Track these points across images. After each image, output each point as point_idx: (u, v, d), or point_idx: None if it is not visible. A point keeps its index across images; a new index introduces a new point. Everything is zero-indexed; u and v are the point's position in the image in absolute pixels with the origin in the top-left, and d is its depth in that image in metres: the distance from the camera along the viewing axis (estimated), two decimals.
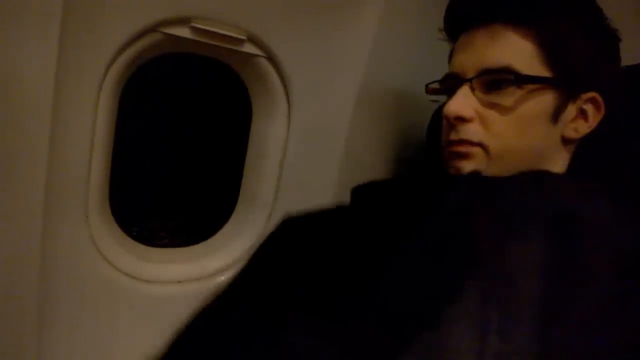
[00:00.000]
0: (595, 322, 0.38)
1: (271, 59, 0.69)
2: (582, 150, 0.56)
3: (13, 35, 0.50)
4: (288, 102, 0.73)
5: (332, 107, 0.76)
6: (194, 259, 0.79)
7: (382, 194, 0.59)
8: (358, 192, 0.65)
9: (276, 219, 0.79)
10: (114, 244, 0.69)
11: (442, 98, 0.59)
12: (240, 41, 0.65)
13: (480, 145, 0.51)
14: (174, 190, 1.43)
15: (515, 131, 0.50)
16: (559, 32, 0.49)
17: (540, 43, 0.49)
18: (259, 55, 0.69)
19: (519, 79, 0.48)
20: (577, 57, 0.50)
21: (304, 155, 0.77)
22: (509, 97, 0.49)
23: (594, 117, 0.52)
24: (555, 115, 0.50)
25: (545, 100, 0.50)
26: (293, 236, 0.57)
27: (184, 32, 0.61)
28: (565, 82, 0.50)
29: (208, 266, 0.79)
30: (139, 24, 0.58)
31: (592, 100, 0.51)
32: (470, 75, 0.52)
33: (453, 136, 0.53)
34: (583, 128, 0.52)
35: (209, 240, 0.83)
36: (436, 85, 0.60)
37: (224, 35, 0.63)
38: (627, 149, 0.59)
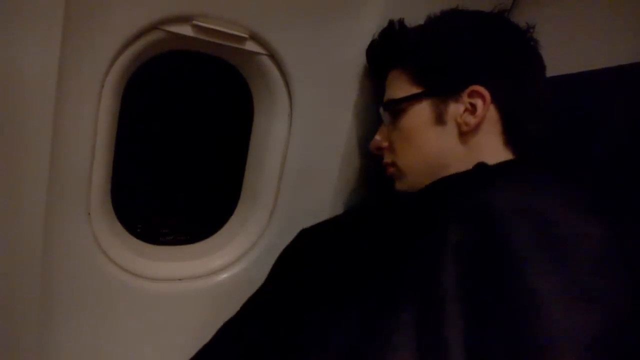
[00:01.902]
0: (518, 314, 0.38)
1: (273, 57, 0.69)
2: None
3: (15, 34, 0.50)
4: (290, 100, 0.73)
5: (333, 105, 0.76)
6: (195, 256, 0.79)
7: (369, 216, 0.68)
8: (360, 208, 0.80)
9: (278, 216, 0.79)
10: (116, 242, 0.70)
11: None
12: (242, 39, 0.65)
13: (393, 165, 0.64)
14: (178, 188, 1.43)
15: (409, 145, 0.61)
16: (417, 61, 0.60)
17: (408, 72, 0.61)
18: (260, 54, 0.69)
19: (393, 103, 0.61)
20: (434, 67, 0.59)
21: (306, 153, 0.77)
22: (397, 120, 0.62)
23: (482, 107, 0.56)
24: (439, 119, 0.58)
25: (422, 110, 0.59)
26: (307, 248, 0.67)
27: (185, 30, 0.61)
28: (433, 91, 0.58)
29: (210, 264, 0.79)
30: (140, 22, 0.58)
31: (473, 93, 0.56)
32: (382, 113, 0.65)
33: (384, 161, 0.66)
34: (471, 119, 0.56)
35: (211, 238, 0.84)
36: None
37: (226, 34, 0.63)
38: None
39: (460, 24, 0.60)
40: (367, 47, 0.70)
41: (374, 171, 0.84)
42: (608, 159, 0.61)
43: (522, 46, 0.59)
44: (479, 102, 0.56)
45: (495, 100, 0.56)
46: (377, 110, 0.67)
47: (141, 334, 0.74)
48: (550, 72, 0.61)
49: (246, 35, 0.65)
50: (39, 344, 0.64)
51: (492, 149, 0.57)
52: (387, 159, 0.65)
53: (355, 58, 0.73)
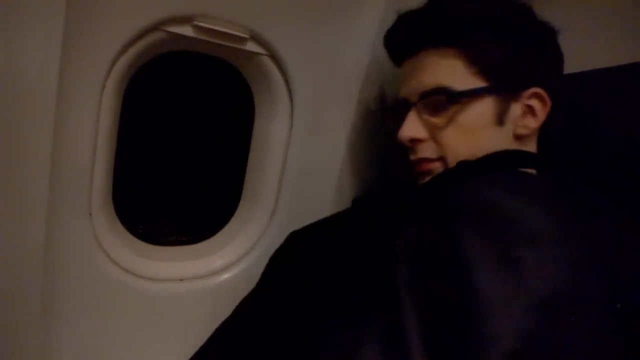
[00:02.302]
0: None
1: (274, 57, 0.69)
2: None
3: (16, 34, 0.50)
4: (290, 100, 0.73)
5: (334, 106, 0.76)
6: (196, 257, 0.79)
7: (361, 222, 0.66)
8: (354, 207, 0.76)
9: (278, 216, 0.79)
10: (117, 242, 0.70)
11: None
12: (243, 39, 0.65)
13: (439, 159, 0.56)
14: (179, 188, 1.43)
15: (464, 141, 0.54)
16: (481, 45, 0.53)
17: (467, 58, 0.53)
18: (261, 54, 0.69)
19: (452, 96, 0.53)
20: (505, 63, 0.53)
21: (306, 153, 0.77)
22: (450, 112, 0.54)
23: (542, 111, 0.54)
24: (500, 118, 0.53)
25: (484, 107, 0.53)
26: (297, 251, 0.66)
27: (186, 30, 0.61)
28: (499, 88, 0.53)
29: (211, 264, 0.79)
30: (141, 23, 0.58)
31: (536, 95, 0.54)
32: (413, 100, 0.57)
33: (412, 157, 0.59)
34: (532, 123, 0.55)
35: (212, 239, 0.84)
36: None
37: (227, 34, 0.63)
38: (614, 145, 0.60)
39: (525, 18, 0.56)
40: (401, 17, 0.60)
41: (374, 172, 0.84)
42: (608, 159, 0.61)
43: (558, 47, 0.58)
44: (537, 105, 0.54)
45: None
46: (401, 96, 0.59)
47: (142, 334, 0.74)
48: None
49: (247, 36, 0.65)
50: (40, 344, 0.64)
51: (534, 151, 0.57)
52: (427, 153, 0.57)
53: (355, 58, 0.73)
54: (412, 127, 0.57)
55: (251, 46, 0.67)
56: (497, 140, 0.54)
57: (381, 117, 0.66)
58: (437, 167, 0.57)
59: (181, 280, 0.75)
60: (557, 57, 0.58)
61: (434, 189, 0.52)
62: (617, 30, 0.68)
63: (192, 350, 0.69)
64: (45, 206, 0.57)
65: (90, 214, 0.64)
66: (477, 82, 0.53)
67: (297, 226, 0.72)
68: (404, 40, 0.60)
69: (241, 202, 0.85)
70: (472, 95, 0.53)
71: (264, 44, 0.67)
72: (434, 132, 0.56)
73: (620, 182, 0.58)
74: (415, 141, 0.57)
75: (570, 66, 0.67)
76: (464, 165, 0.52)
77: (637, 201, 0.55)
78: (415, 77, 0.57)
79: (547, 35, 0.57)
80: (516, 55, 0.53)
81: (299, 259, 0.64)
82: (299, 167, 0.77)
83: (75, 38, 0.54)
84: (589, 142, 0.62)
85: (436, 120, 0.55)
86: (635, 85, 0.62)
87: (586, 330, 0.36)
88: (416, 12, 0.58)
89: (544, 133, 0.57)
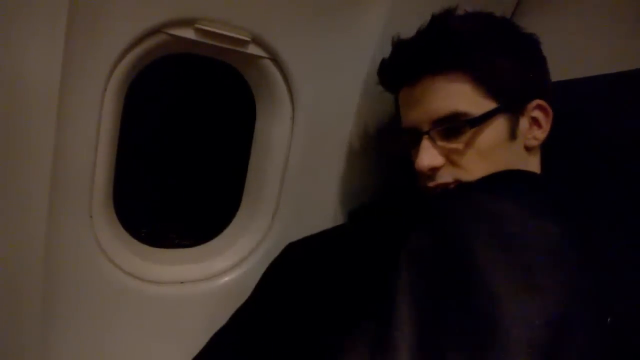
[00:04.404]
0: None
1: (275, 60, 0.69)
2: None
3: (18, 35, 0.50)
4: (292, 103, 0.73)
5: (335, 109, 0.76)
6: (197, 259, 0.79)
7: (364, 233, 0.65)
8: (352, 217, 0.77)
9: (280, 219, 0.79)
10: (117, 245, 0.70)
11: None
12: (244, 42, 0.66)
13: (455, 182, 0.56)
14: (181, 191, 1.43)
15: (481, 162, 0.54)
16: (486, 65, 0.53)
17: (474, 80, 0.53)
18: (263, 57, 0.69)
19: (471, 122, 0.53)
20: (511, 79, 0.54)
21: (308, 156, 0.77)
22: (466, 136, 0.54)
23: (546, 121, 0.56)
24: (512, 134, 0.54)
25: (499, 126, 0.54)
26: (294, 264, 0.66)
27: (188, 33, 0.62)
28: (509, 105, 0.54)
29: (212, 267, 0.79)
30: (143, 25, 0.58)
31: (538, 107, 0.56)
32: (425, 128, 0.56)
33: (430, 183, 0.58)
34: (540, 134, 0.56)
35: (213, 241, 0.83)
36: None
37: (228, 37, 0.63)
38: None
39: (514, 30, 0.58)
40: (399, 43, 0.60)
41: (375, 175, 0.84)
42: (609, 164, 0.61)
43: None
44: (540, 116, 0.56)
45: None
46: (411, 127, 0.58)
47: (143, 336, 0.74)
48: (552, 77, 0.61)
49: (248, 39, 0.65)
50: (41, 347, 0.64)
51: (539, 162, 0.59)
52: (445, 178, 0.56)
53: (357, 61, 0.73)
54: (430, 156, 0.56)
55: (253, 49, 0.67)
56: (511, 154, 0.55)
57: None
58: (452, 187, 0.57)
59: (182, 283, 0.75)
60: (546, 66, 0.59)
61: (442, 199, 0.53)
62: (619, 35, 0.68)
63: (193, 352, 0.69)
64: (46, 208, 0.57)
65: (91, 216, 0.64)
66: (488, 103, 0.53)
67: (298, 229, 0.72)
68: (406, 67, 0.59)
69: (242, 205, 0.85)
70: (489, 117, 0.53)
71: (265, 47, 0.67)
72: (451, 157, 0.55)
73: (621, 188, 0.58)
74: (434, 169, 0.57)
75: (572, 72, 0.67)
76: (469, 183, 0.54)
77: (637, 206, 0.55)
78: (422, 104, 0.56)
79: (536, 46, 0.58)
80: (518, 70, 0.54)
81: (295, 271, 0.65)
82: (300, 170, 0.77)
83: (77, 40, 0.54)
84: (591, 148, 0.62)
85: (453, 146, 0.55)
86: (638, 91, 0.62)
87: (588, 346, 0.37)
88: (416, 39, 0.58)
89: (546, 140, 0.58)
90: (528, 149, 0.56)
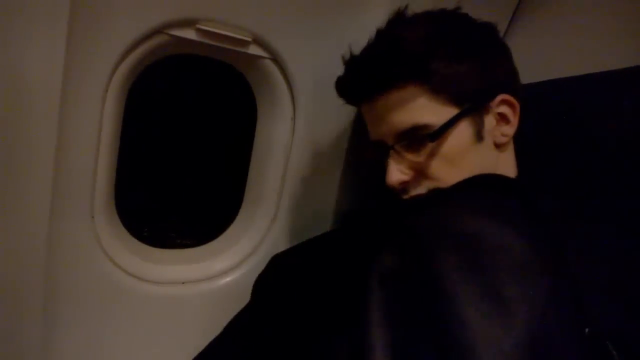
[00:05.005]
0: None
1: (276, 60, 0.69)
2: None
3: (20, 36, 0.50)
4: (293, 103, 0.73)
5: (336, 109, 0.76)
6: (198, 260, 0.79)
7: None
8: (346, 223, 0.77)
9: (280, 220, 0.79)
10: (119, 245, 0.70)
11: None
12: (245, 43, 0.66)
13: (430, 191, 0.54)
14: (183, 192, 1.44)
15: (451, 169, 0.53)
16: (442, 73, 0.51)
17: (431, 91, 0.51)
18: (264, 57, 0.69)
19: (431, 136, 0.51)
20: (470, 81, 0.52)
21: (308, 156, 0.77)
22: (431, 147, 0.52)
23: (513, 115, 0.54)
24: (478, 136, 0.53)
25: (463, 131, 0.52)
26: (278, 277, 0.66)
27: (189, 34, 0.62)
28: (471, 108, 0.52)
29: (213, 267, 0.79)
30: (145, 26, 0.58)
31: (503, 102, 0.54)
32: (390, 142, 0.55)
33: (404, 196, 0.56)
34: (508, 130, 0.54)
35: (214, 242, 0.84)
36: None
37: (230, 37, 0.63)
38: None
39: (468, 26, 0.56)
40: (350, 61, 0.58)
41: (376, 176, 0.84)
42: (608, 163, 0.61)
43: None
44: (507, 111, 0.54)
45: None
46: (375, 143, 0.57)
47: (144, 336, 0.74)
48: (553, 74, 0.61)
49: (250, 39, 0.65)
50: (43, 347, 0.64)
51: (513, 157, 0.57)
52: (419, 190, 0.55)
53: None
54: (397, 172, 0.55)
55: (254, 49, 0.67)
56: (481, 156, 0.53)
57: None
58: (424, 195, 0.56)
59: (183, 283, 0.75)
60: (508, 55, 0.57)
61: (412, 212, 0.51)
62: (620, 33, 0.68)
63: (194, 352, 0.69)
64: (48, 209, 0.57)
65: (93, 217, 0.64)
66: (449, 110, 0.51)
67: (299, 230, 0.72)
68: (359, 86, 0.57)
69: (243, 205, 0.85)
70: (450, 126, 0.51)
71: (266, 47, 0.67)
72: (420, 169, 0.54)
73: (618, 187, 0.58)
74: (404, 183, 0.55)
75: (573, 69, 0.67)
76: (441, 191, 0.52)
77: (633, 206, 0.54)
78: (383, 119, 0.55)
79: (494, 37, 0.57)
80: (476, 70, 0.52)
81: (280, 285, 0.65)
82: (300, 170, 0.77)
83: (78, 41, 0.54)
84: (590, 145, 0.62)
85: (419, 158, 0.54)
86: (635, 89, 0.61)
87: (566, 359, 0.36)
88: (366, 55, 0.56)
89: (539, 138, 0.57)
90: (498, 146, 0.55)
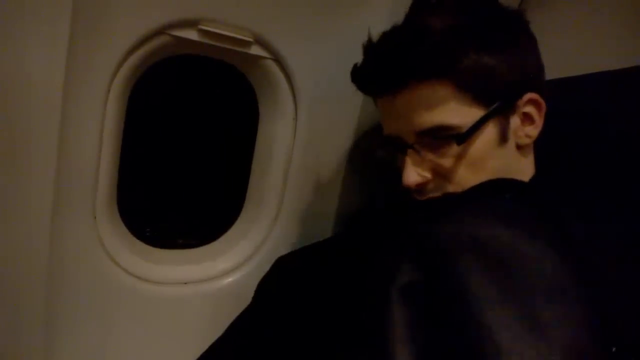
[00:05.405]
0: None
1: (278, 61, 0.69)
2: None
3: (22, 37, 0.50)
4: (295, 103, 0.73)
5: (338, 110, 0.76)
6: (200, 260, 0.79)
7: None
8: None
9: (282, 220, 0.79)
10: (121, 245, 0.70)
11: None
12: (247, 43, 0.66)
13: (447, 194, 0.51)
14: (184, 192, 1.44)
15: (472, 172, 0.50)
16: (472, 69, 0.47)
17: (460, 88, 0.48)
18: (266, 58, 0.69)
19: (458, 138, 0.48)
20: (500, 78, 0.48)
21: (311, 157, 0.77)
22: (454, 149, 0.49)
23: (539, 116, 0.51)
24: (503, 137, 0.50)
25: (489, 133, 0.49)
26: (282, 281, 0.65)
27: (191, 34, 0.62)
28: (498, 108, 0.49)
29: (214, 268, 0.79)
30: (147, 27, 0.58)
31: (530, 102, 0.51)
32: (410, 140, 0.51)
33: (419, 197, 0.53)
34: (533, 130, 0.52)
35: (216, 242, 0.84)
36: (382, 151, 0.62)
37: (231, 38, 0.64)
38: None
39: (498, 13, 0.51)
40: (372, 50, 0.53)
41: (378, 176, 0.84)
42: (608, 163, 0.61)
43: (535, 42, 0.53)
44: (532, 111, 0.51)
45: None
46: (402, 141, 0.53)
47: (146, 337, 0.74)
48: (557, 74, 0.60)
49: (251, 39, 0.65)
50: (44, 347, 0.64)
51: (533, 159, 0.55)
52: (435, 192, 0.52)
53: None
54: (416, 172, 0.51)
55: (256, 50, 0.67)
56: (503, 159, 0.51)
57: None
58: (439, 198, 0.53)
59: (185, 283, 0.75)
60: (537, 49, 0.53)
61: (428, 217, 0.48)
62: (624, 32, 0.68)
63: (195, 353, 0.69)
64: (50, 209, 0.57)
65: (95, 217, 0.64)
66: (476, 111, 0.48)
67: (301, 231, 0.71)
68: (382, 78, 0.52)
69: (245, 206, 0.85)
70: (477, 128, 0.48)
71: (268, 47, 0.67)
72: (439, 170, 0.51)
73: (617, 186, 0.58)
74: (422, 184, 0.52)
75: (576, 68, 0.67)
76: (457, 195, 0.50)
77: (633, 206, 0.54)
78: (404, 115, 0.51)
79: (522, 24, 0.53)
80: (507, 66, 0.49)
81: (284, 288, 0.63)
82: (302, 171, 0.77)
83: (80, 42, 0.54)
84: (595, 145, 0.62)
85: (440, 160, 0.50)
86: (635, 89, 0.61)
87: None
88: (392, 44, 0.51)
89: (539, 138, 0.56)
90: (520, 147, 0.52)
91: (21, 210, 0.56)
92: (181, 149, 1.39)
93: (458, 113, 0.48)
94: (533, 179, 0.54)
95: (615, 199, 0.53)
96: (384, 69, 0.51)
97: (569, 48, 0.69)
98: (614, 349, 0.36)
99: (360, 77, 0.55)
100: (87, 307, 0.68)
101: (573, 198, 0.51)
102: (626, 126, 0.60)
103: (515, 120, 0.51)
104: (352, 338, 0.46)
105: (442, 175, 0.51)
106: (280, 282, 0.66)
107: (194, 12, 0.60)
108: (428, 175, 0.52)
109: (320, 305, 0.56)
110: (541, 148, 0.56)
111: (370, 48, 0.53)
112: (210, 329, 0.69)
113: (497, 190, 0.48)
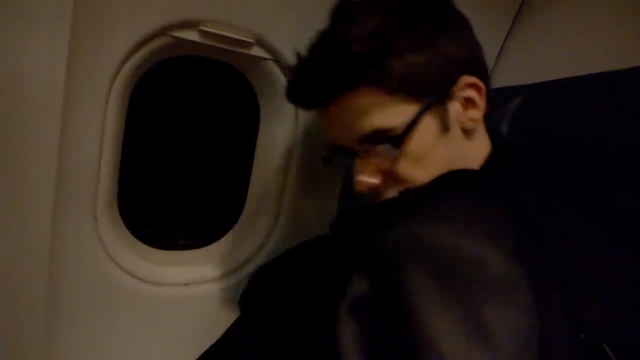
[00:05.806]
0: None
1: (279, 61, 0.69)
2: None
3: (23, 38, 0.50)
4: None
5: None
6: (200, 261, 0.79)
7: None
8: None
9: (282, 221, 0.79)
10: (121, 246, 0.70)
11: None
12: (248, 44, 0.66)
13: (402, 193, 0.50)
14: (186, 193, 1.44)
15: (420, 167, 0.49)
16: (397, 69, 0.46)
17: (389, 91, 0.47)
18: (266, 58, 0.69)
19: (394, 141, 0.47)
20: (429, 72, 0.47)
21: (311, 158, 0.77)
22: (397, 148, 0.48)
23: (479, 98, 0.50)
24: (444, 127, 0.49)
25: (427, 126, 0.48)
26: (260, 291, 0.67)
27: (192, 35, 0.62)
28: (433, 100, 0.48)
29: (215, 269, 0.79)
30: (148, 27, 0.58)
31: (468, 85, 0.49)
32: (354, 147, 0.51)
33: (375, 200, 0.53)
34: (475, 114, 0.50)
35: (216, 243, 0.84)
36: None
37: (232, 39, 0.64)
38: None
39: (422, 3, 0.50)
40: (300, 65, 0.52)
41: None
42: (608, 163, 0.61)
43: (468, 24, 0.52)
44: (472, 94, 0.49)
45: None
46: (333, 151, 0.54)
47: (147, 338, 0.74)
48: (557, 74, 0.60)
49: (252, 40, 0.65)
50: (45, 347, 0.64)
51: (486, 141, 0.53)
52: (390, 193, 0.51)
53: None
54: (365, 177, 0.51)
55: (256, 51, 0.67)
56: (450, 147, 0.50)
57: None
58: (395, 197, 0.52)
59: (186, 284, 0.75)
60: (468, 31, 0.52)
61: (382, 222, 0.46)
62: (624, 33, 0.68)
63: (196, 354, 0.69)
64: (51, 210, 0.58)
65: (96, 218, 0.65)
66: (409, 108, 0.47)
67: (301, 231, 0.71)
68: (310, 93, 0.52)
69: (246, 207, 0.85)
70: (413, 125, 0.47)
71: (269, 48, 0.68)
72: (388, 172, 0.50)
73: (617, 186, 0.58)
74: (374, 188, 0.52)
75: (577, 69, 0.67)
76: (406, 195, 0.49)
77: (632, 206, 0.54)
78: (342, 124, 0.51)
79: (449, 8, 0.52)
80: (435, 54, 0.47)
81: (263, 302, 0.65)
82: (303, 171, 0.77)
83: (81, 43, 0.54)
84: (586, 146, 0.62)
85: (386, 162, 0.50)
86: (635, 88, 0.61)
87: None
88: (310, 60, 0.51)
89: (539, 138, 0.56)
90: (467, 132, 0.50)
91: (22, 210, 0.56)
92: (182, 150, 1.40)
93: (394, 115, 0.47)
94: (487, 163, 0.52)
95: (607, 199, 0.53)
96: (312, 83, 0.51)
97: (569, 48, 0.69)
98: (582, 336, 0.36)
99: (293, 93, 0.55)
100: (87, 307, 0.68)
101: (560, 196, 0.50)
102: (626, 126, 0.60)
103: (455, 107, 0.50)
104: (316, 348, 0.47)
105: (391, 176, 0.51)
106: (259, 296, 0.68)
107: (194, 13, 0.60)
108: (376, 180, 0.51)
109: (295, 319, 0.57)
110: (539, 147, 0.56)
111: (297, 64, 0.53)
112: (210, 330, 0.69)
113: (448, 185, 0.46)
